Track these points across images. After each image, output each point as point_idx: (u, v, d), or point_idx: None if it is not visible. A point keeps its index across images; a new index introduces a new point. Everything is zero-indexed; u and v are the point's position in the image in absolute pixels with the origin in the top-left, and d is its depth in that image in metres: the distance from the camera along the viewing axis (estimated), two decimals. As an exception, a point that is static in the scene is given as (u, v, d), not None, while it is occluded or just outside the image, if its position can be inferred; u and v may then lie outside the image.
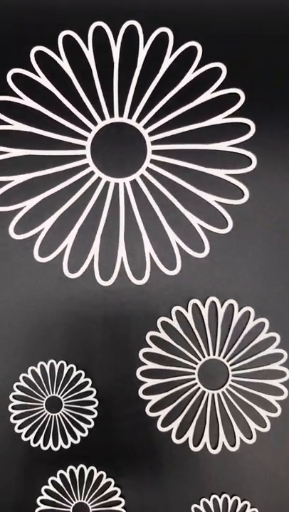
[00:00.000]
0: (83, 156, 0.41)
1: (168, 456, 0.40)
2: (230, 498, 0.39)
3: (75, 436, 0.39)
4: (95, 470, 0.39)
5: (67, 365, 0.39)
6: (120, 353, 0.40)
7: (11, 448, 0.40)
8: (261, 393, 0.39)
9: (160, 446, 0.39)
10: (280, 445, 0.40)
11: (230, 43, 0.41)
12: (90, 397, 0.39)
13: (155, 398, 0.39)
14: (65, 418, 0.39)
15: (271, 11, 0.41)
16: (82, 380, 0.39)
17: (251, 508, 0.39)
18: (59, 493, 0.40)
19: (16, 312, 0.40)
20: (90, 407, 0.39)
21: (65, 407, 0.39)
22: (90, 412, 0.39)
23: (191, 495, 0.40)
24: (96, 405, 0.39)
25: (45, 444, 0.40)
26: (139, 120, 0.41)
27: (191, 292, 0.40)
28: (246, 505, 0.39)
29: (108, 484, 0.39)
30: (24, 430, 0.39)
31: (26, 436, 0.39)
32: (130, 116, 0.41)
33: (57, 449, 0.40)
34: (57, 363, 0.39)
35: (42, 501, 0.40)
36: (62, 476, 0.40)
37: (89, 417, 0.39)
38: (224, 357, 0.39)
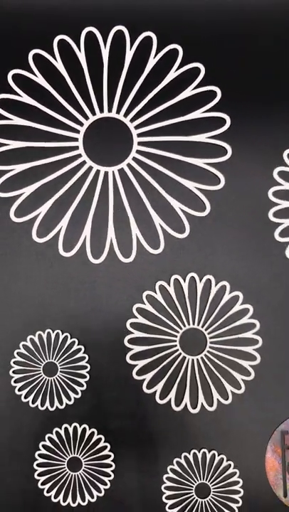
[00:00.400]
0: (76, 148, 0.46)
1: (152, 415, 0.44)
2: (209, 452, 0.44)
3: (69, 398, 0.44)
4: (87, 428, 0.44)
5: (63, 334, 0.43)
6: (110, 323, 0.44)
7: (12, 408, 0.44)
8: (236, 359, 0.43)
9: (145, 406, 0.44)
10: (253, 405, 0.44)
11: (207, 45, 0.45)
12: (83, 363, 0.43)
13: (141, 363, 0.43)
14: (61, 381, 0.44)
15: (242, 15, 0.46)
16: (75, 347, 0.43)
17: (227, 461, 0.44)
18: (55, 448, 0.44)
19: (16, 287, 0.44)
20: (83, 371, 0.43)
21: (60, 371, 0.44)
22: (83, 376, 0.44)
23: (173, 450, 0.44)
24: (88, 370, 0.44)
25: (42, 405, 0.44)
26: (126, 115, 0.46)
27: (173, 269, 0.45)
28: (222, 459, 0.43)
29: (99, 440, 0.44)
30: (24, 392, 0.44)
31: (25, 397, 0.44)
32: (118, 111, 0.46)
33: (53, 409, 0.44)
34: (53, 332, 0.44)
35: (40, 455, 0.44)
36: (57, 433, 0.44)
37: (82, 380, 0.44)
38: (203, 326, 0.43)
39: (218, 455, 0.43)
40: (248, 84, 0.45)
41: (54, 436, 0.44)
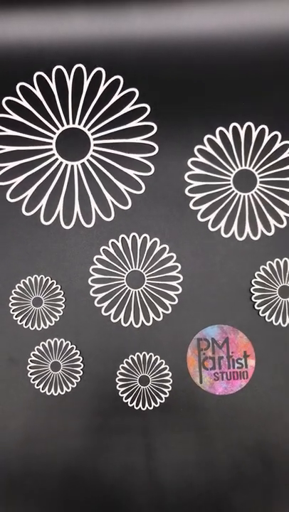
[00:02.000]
0: (51, 149, 0.64)
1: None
2: (147, 354, 0.62)
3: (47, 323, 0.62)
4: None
5: (45, 277, 0.62)
6: (77, 266, 0.63)
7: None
8: (165, 289, 0.62)
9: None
10: (178, 322, 0.62)
11: (140, 76, 0.63)
12: (59, 296, 0.62)
13: (99, 295, 0.62)
14: (45, 311, 0.62)
15: (165, 54, 0.65)
16: (54, 286, 0.62)
17: (160, 359, 0.62)
18: None
19: (10, 244, 0.62)
20: (59, 303, 0.62)
21: (44, 303, 0.62)
22: (59, 306, 0.62)
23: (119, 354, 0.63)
24: (63, 301, 0.62)
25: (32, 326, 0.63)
26: (85, 125, 0.64)
27: (120, 230, 0.61)
28: (157, 358, 0.62)
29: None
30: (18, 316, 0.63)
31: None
32: (80, 123, 0.64)
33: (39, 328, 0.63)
34: (39, 276, 0.62)
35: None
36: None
37: (58, 310, 0.62)
38: (142, 268, 0.62)
39: (154, 355, 0.62)
40: (169, 102, 0.63)
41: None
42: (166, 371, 0.60)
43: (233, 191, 0.62)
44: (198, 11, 0.63)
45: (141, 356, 0.61)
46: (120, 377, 0.60)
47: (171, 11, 0.63)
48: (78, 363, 0.60)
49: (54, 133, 0.63)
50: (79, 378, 0.60)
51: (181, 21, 0.63)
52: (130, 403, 0.60)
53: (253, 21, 0.63)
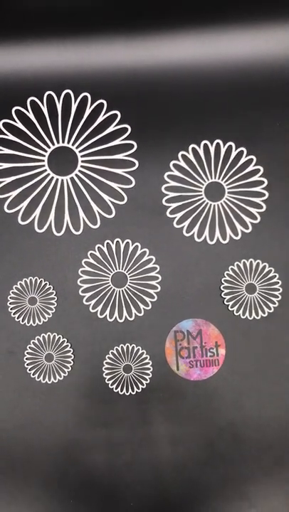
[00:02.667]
0: (43, 166, 0.72)
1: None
2: (130, 345, 0.70)
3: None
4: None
5: (39, 279, 0.70)
6: (67, 266, 0.71)
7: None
8: (146, 288, 0.70)
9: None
10: (159, 316, 0.70)
11: (121, 100, 0.71)
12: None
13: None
14: (38, 308, 0.70)
15: (147, 79, 0.73)
16: (47, 286, 0.70)
17: (142, 349, 0.70)
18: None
19: (7, 249, 0.70)
20: (52, 302, 0.70)
21: (39, 301, 0.70)
22: (51, 306, 0.70)
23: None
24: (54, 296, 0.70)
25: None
26: (73, 144, 0.72)
27: (105, 236, 0.69)
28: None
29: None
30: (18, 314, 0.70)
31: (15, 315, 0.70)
32: (68, 142, 0.72)
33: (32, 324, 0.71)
34: (33, 278, 0.70)
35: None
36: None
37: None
38: (125, 270, 0.70)
39: (136, 347, 0.69)
40: (147, 123, 0.71)
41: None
42: (146, 360, 0.68)
43: (204, 201, 0.70)
44: (171, 43, 0.71)
45: (124, 347, 0.69)
46: (106, 366, 0.68)
47: (147, 43, 0.71)
48: (69, 354, 0.68)
49: (46, 151, 0.71)
50: (70, 368, 0.68)
51: (156, 52, 0.71)
52: (115, 389, 0.68)
53: (219, 51, 0.71)
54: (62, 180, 0.70)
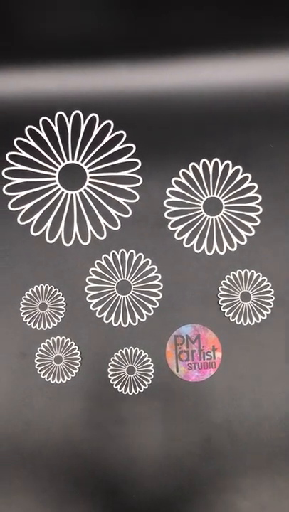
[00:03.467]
0: (54, 181, 0.76)
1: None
2: (134, 348, 0.75)
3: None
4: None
5: (50, 286, 0.75)
6: (73, 276, 0.76)
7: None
8: (147, 295, 0.75)
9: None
10: (160, 322, 0.76)
11: (127, 120, 0.76)
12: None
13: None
14: (48, 314, 0.75)
15: (151, 102, 0.79)
16: (56, 293, 0.75)
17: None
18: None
19: (20, 259, 0.74)
20: (60, 308, 0.75)
21: (49, 307, 0.75)
22: (60, 311, 0.75)
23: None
24: (64, 307, 0.75)
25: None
26: (82, 161, 0.77)
27: (110, 246, 0.72)
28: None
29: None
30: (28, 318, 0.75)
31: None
32: (78, 159, 0.77)
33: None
34: (44, 285, 0.75)
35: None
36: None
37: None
38: (129, 278, 0.76)
39: (139, 350, 0.75)
40: (150, 142, 0.75)
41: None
42: (149, 362, 0.72)
43: (203, 215, 0.76)
44: (173, 69, 0.77)
45: (128, 350, 0.74)
46: (111, 367, 0.73)
47: (151, 69, 0.77)
48: (77, 356, 0.73)
49: (57, 167, 0.76)
50: (77, 369, 0.73)
51: (159, 78, 0.77)
52: (120, 389, 0.72)
53: (217, 77, 0.77)
54: (71, 194, 0.75)
